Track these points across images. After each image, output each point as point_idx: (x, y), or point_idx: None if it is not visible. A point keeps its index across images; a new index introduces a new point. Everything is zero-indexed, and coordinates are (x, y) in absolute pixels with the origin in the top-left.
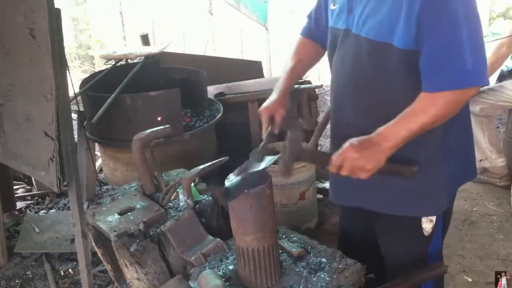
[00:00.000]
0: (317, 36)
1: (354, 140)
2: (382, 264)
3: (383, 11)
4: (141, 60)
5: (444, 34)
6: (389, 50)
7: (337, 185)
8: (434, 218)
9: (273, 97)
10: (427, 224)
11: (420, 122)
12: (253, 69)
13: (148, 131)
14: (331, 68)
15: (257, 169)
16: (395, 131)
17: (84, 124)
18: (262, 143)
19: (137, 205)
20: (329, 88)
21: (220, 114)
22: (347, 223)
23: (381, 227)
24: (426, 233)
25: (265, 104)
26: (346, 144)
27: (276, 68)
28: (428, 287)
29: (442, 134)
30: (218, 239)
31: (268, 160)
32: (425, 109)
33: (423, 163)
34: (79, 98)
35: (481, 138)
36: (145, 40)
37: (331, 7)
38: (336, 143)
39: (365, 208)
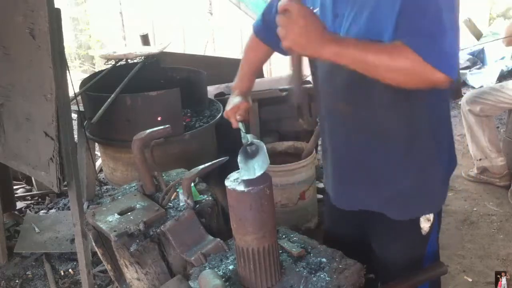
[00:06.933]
0: (266, 36)
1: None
2: (371, 263)
3: (370, 5)
4: (141, 60)
5: (425, 16)
6: None
7: (338, 191)
8: (431, 216)
9: (235, 100)
10: (425, 223)
11: (378, 59)
12: None
13: (148, 131)
14: (313, 75)
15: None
16: (349, 48)
17: (84, 124)
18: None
19: (137, 205)
20: None
21: (220, 114)
22: (336, 223)
23: (377, 229)
24: (424, 233)
25: (228, 107)
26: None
27: (276, 68)
28: None
29: (432, 127)
30: (218, 239)
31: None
32: (392, 52)
33: (424, 163)
34: (79, 98)
35: (481, 138)
36: (145, 40)
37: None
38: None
39: (369, 210)
